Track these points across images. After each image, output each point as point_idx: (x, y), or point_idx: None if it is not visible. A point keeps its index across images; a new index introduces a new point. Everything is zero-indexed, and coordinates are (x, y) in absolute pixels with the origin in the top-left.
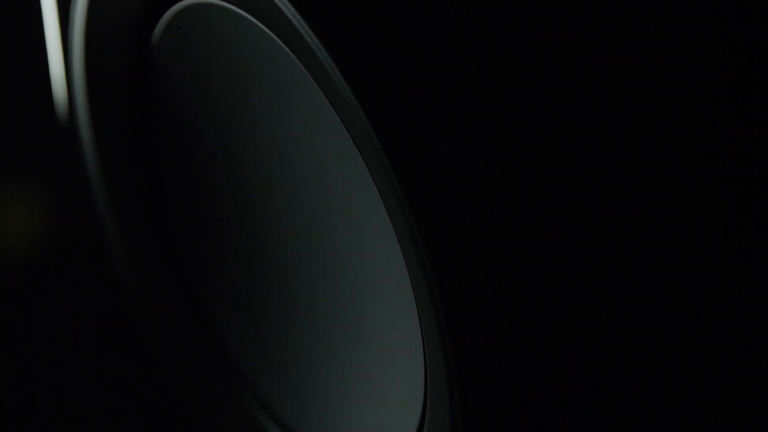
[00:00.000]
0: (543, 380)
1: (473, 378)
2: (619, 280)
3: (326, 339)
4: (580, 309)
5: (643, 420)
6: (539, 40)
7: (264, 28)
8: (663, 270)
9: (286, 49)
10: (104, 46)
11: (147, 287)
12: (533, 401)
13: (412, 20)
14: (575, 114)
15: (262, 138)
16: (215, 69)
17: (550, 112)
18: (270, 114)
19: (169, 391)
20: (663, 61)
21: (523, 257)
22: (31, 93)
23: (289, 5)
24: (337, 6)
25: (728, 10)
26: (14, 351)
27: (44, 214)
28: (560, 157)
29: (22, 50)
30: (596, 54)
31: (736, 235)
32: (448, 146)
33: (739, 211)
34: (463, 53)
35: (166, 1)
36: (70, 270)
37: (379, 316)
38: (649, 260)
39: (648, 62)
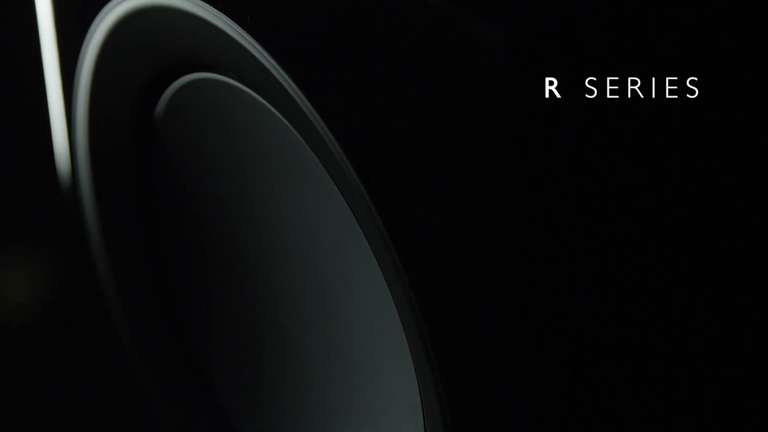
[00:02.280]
0: (538, 393)
1: (467, 411)
2: (617, 283)
3: (321, 394)
4: (576, 328)
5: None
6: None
7: (265, 102)
8: (662, 275)
9: (287, 123)
10: (107, 121)
11: (147, 351)
12: (529, 422)
13: (413, 92)
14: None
15: (263, 209)
16: (217, 142)
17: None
18: (271, 186)
19: None
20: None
21: (513, 282)
22: (36, 166)
23: (290, 80)
24: (338, 80)
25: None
26: (11, 415)
27: (46, 284)
28: (558, 158)
29: (27, 124)
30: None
31: (737, 237)
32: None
33: (739, 213)
34: (465, 144)
35: (169, 76)
36: (71, 336)
37: (371, 359)
38: (647, 263)
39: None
